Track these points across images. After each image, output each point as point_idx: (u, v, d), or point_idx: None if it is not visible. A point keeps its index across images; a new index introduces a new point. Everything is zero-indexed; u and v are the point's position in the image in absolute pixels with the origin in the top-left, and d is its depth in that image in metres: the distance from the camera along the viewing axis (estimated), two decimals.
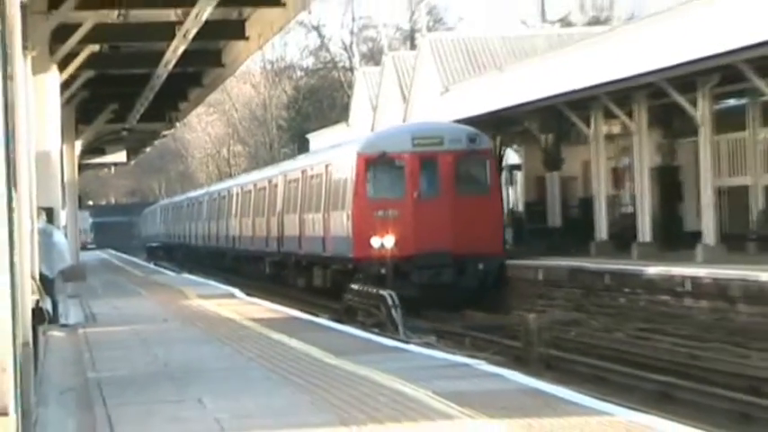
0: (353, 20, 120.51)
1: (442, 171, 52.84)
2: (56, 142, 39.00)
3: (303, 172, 67.84)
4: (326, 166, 60.24)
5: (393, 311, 49.97)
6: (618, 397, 22.22)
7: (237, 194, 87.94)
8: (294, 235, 68.72)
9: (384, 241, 50.13)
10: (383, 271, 50.25)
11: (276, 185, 75.96)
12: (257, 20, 43.43)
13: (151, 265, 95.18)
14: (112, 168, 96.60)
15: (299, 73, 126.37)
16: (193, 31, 40.03)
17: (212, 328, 38.07)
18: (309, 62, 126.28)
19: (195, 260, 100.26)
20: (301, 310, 46.07)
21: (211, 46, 48.23)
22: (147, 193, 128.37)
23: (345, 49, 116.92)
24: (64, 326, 36.53)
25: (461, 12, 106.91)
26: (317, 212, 62.25)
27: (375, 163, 53.04)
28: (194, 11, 36.69)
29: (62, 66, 40.50)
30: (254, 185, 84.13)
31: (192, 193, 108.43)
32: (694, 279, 43.15)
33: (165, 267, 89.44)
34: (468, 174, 54.32)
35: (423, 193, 52.04)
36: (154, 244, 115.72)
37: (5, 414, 12.64)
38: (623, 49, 54.05)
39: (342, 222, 55.39)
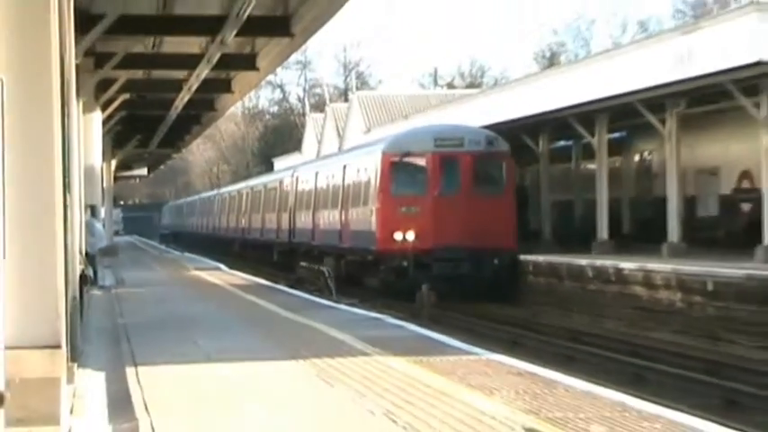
0: (306, 81, 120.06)
1: (461, 170, 43.63)
2: (98, 160, 38.86)
3: (316, 174, 56.75)
4: (344, 167, 50.44)
5: (329, 281, 48.89)
6: (481, 344, 22.13)
7: (247, 194, 78.66)
8: (307, 228, 57.43)
9: (406, 235, 41.73)
10: (405, 263, 41.83)
11: (287, 186, 64.39)
12: (239, 80, 43.41)
13: (163, 247, 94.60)
14: (137, 179, 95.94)
15: (267, 116, 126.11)
16: (195, 86, 40.00)
17: (203, 290, 37.98)
18: (275, 109, 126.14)
19: (195, 244, 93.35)
20: (266, 279, 45.70)
21: (207, 96, 47.98)
22: (160, 196, 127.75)
23: (299, 100, 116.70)
24: (101, 287, 36.45)
25: (380, 76, 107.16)
26: (332, 208, 51.86)
27: (399, 162, 43.78)
28: (195, 72, 36.71)
29: (103, 108, 40.34)
30: (264, 186, 73.14)
31: (190, 198, 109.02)
32: (535, 262, 43.92)
33: (172, 248, 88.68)
34: (486, 174, 44.77)
35: (443, 190, 43.02)
36: (165, 232, 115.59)
37: (59, 347, 12.55)
38: (490, 105, 53.91)
39: (364, 217, 45.65)
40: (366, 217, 45.09)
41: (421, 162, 44.17)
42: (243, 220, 78.95)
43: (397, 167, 44.03)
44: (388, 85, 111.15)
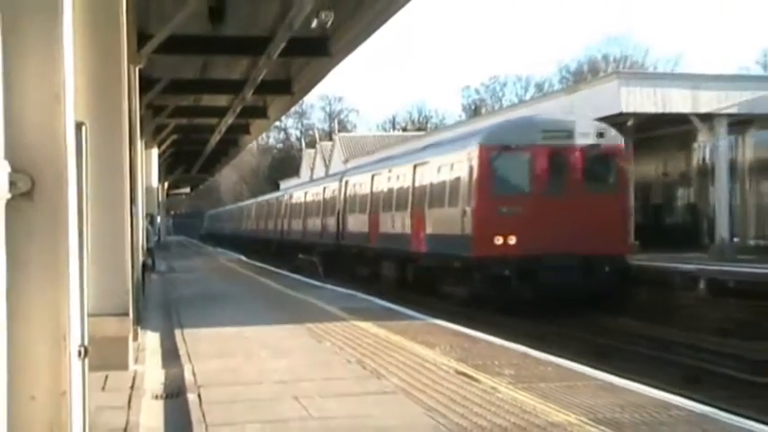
0: (302, 125, 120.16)
1: (570, 166, 28.75)
2: (155, 182, 38.76)
3: (372, 177, 40.60)
4: (414, 167, 34.82)
5: (319, 268, 44.82)
6: (428, 311, 22.18)
7: (286, 201, 63.44)
8: (360, 231, 41.12)
9: (508, 240, 27.78)
10: (506, 272, 27.30)
11: (333, 191, 47.53)
12: (255, 125, 43.16)
13: (201, 244, 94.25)
14: (183, 195, 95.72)
15: (274, 150, 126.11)
16: (223, 129, 39.80)
17: (229, 274, 37.87)
18: (279, 145, 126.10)
19: (230, 243, 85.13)
20: (274, 266, 43.77)
21: (232, 137, 46.93)
22: (199, 207, 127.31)
23: (297, 139, 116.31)
24: (158, 272, 36.31)
25: (355, 122, 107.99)
26: (398, 211, 35.79)
27: (500, 156, 28.78)
28: (224, 120, 36.54)
29: (159, 145, 40.26)
30: (305, 193, 56.54)
31: (227, 207, 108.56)
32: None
33: (208, 245, 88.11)
34: (598, 170, 29.50)
35: (550, 188, 28.36)
36: (203, 233, 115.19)
37: (127, 314, 12.57)
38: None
39: (451, 219, 30.22)
40: (454, 219, 30.02)
41: (525, 156, 28.86)
42: (281, 224, 63.95)
43: (497, 162, 29.09)
44: (361, 128, 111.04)
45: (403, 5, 19.67)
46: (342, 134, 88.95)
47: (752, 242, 37.03)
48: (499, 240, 27.79)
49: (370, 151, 70.77)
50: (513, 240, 27.71)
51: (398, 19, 21.44)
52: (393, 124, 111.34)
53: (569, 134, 28.61)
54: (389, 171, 38.36)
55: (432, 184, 32.55)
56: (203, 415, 9.83)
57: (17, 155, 4.99)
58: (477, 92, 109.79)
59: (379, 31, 22.42)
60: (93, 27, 12.05)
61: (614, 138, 29.28)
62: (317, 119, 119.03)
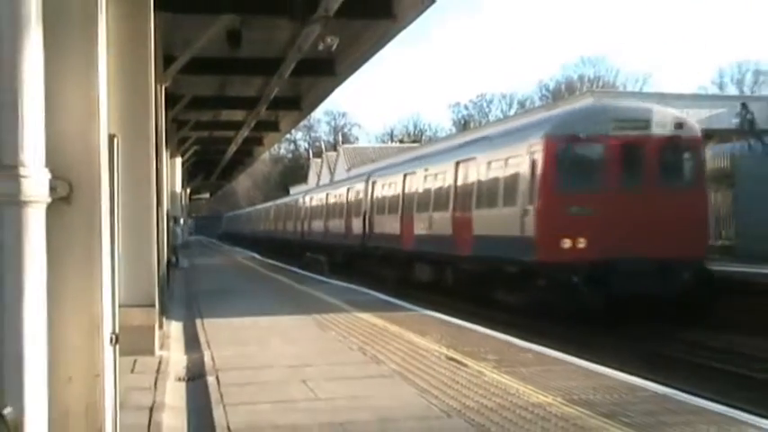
0: (309, 137, 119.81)
1: (646, 160, 22.35)
2: (179, 188, 38.71)
3: (404, 176, 34.09)
4: (456, 164, 28.26)
5: (325, 266, 41.33)
6: (421, 304, 22.06)
7: (307, 203, 56.47)
8: (390, 233, 34.59)
9: (577, 243, 21.51)
10: (575, 279, 20.96)
11: (358, 192, 41.28)
12: (268, 137, 43.25)
13: (219, 243, 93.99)
14: (203, 200, 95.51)
15: (285, 160, 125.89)
16: (240, 141, 39.91)
17: (243, 270, 37.86)
18: (289, 155, 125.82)
19: (244, 242, 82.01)
20: (283, 263, 42.99)
21: (247, 148, 46.90)
22: (217, 210, 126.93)
23: (305, 150, 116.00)
24: (181, 268, 36.27)
25: (357, 134, 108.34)
26: (438, 211, 29.23)
27: (568, 149, 22.36)
28: (240, 132, 36.63)
29: (182, 155, 40.23)
30: (327, 195, 50.04)
31: (245, 210, 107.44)
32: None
33: (227, 245, 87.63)
34: (675, 164, 23.04)
35: (624, 185, 22.05)
36: (220, 232, 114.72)
37: (153, 306, 12.59)
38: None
39: (507, 220, 23.77)
40: (512, 219, 23.52)
41: (597, 149, 22.52)
42: (302, 225, 56.79)
43: (565, 156, 22.40)
44: (362, 140, 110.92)
45: (401, 31, 19.70)
46: (345, 145, 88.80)
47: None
48: (567, 243, 21.63)
49: (373, 160, 70.40)
50: (582, 243, 21.59)
51: (396, 41, 21.45)
52: (391, 137, 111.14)
53: (645, 124, 22.65)
54: (426, 170, 32.03)
55: (480, 182, 26.59)
56: (221, 396, 9.85)
57: (57, 163, 5.04)
58: (466, 108, 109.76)
59: (379, 53, 22.52)
60: (125, 50, 12.11)
61: (692, 129, 23.08)
62: (323, 132, 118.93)
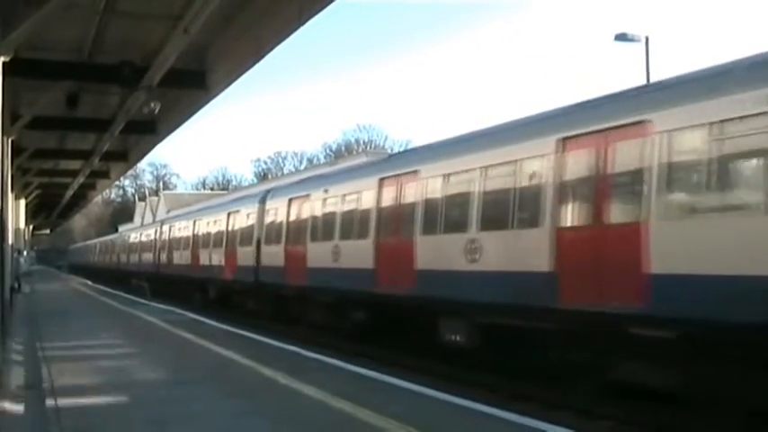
0: (136, 183, 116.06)
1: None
2: (23, 225, 36.80)
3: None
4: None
5: (147, 291, 36.60)
6: (210, 316, 21.77)
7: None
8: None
9: None
10: None
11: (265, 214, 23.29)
12: (115, 169, 40.02)
13: (58, 272, 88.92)
14: (44, 235, 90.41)
15: (114, 203, 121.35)
16: (87, 172, 37.77)
17: (78, 294, 36.31)
18: (119, 199, 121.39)
19: (83, 272, 73.47)
20: (113, 288, 41.80)
21: (91, 181, 44.15)
22: (56, 244, 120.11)
23: (132, 195, 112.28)
24: (23, 293, 34.45)
25: (175, 182, 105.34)
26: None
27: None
28: (89, 162, 35.14)
29: (26, 197, 38.27)
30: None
31: (80, 244, 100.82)
32: None
33: (63, 272, 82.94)
34: None
35: None
36: (61, 263, 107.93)
37: None
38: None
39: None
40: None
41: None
42: (159, 257, 38.22)
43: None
44: (180, 188, 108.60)
45: (212, 99, 19.64)
46: (165, 192, 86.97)
47: None
48: None
49: (189, 204, 68.52)
50: None
51: (210, 106, 21.34)
52: (204, 185, 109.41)
53: None
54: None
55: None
56: (55, 397, 9.50)
57: None
58: (265, 162, 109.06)
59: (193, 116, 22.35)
60: None
61: None
62: (147, 180, 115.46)
